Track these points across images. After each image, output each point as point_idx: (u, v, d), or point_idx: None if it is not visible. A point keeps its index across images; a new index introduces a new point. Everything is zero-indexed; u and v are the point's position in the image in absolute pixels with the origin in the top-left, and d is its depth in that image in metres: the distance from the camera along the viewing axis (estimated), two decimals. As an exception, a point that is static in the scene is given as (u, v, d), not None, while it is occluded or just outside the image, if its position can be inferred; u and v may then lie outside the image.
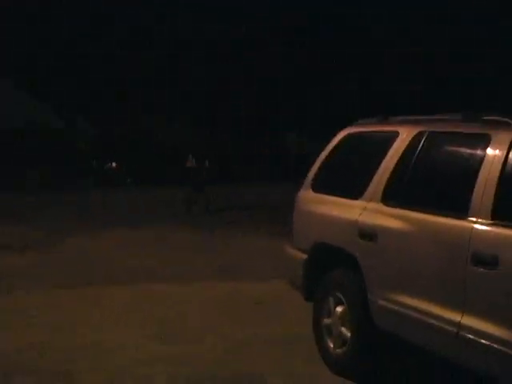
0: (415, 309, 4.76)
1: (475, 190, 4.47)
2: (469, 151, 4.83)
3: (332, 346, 5.66)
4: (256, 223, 16.83)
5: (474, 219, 4.39)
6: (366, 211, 5.35)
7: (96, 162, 29.82)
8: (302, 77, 41.27)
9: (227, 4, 40.52)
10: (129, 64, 39.48)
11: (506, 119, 4.57)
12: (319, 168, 6.20)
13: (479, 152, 4.60)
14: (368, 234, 5.22)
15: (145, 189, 28.40)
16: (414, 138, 5.25)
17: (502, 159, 4.37)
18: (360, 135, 6.00)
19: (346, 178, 5.93)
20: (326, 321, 5.76)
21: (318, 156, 6.25)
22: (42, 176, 29.65)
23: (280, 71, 40.96)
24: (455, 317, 4.41)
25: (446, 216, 4.63)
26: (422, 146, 5.16)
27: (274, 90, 41.44)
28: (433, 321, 4.59)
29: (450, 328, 4.43)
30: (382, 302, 5.06)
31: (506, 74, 37.52)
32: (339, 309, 5.59)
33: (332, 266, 5.74)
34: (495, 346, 4.11)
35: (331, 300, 5.69)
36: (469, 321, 4.32)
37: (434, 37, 39.69)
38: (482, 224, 4.34)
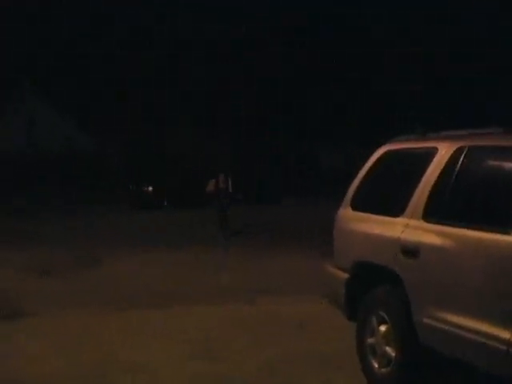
0: (462, 326, 4.74)
1: None
2: (508, 165, 4.84)
3: (376, 365, 5.64)
4: (274, 242, 16.79)
5: None
6: (407, 228, 5.35)
7: (132, 185, 29.52)
8: (301, 77, 41.23)
9: (227, 4, 40.45)
10: (129, 64, 39.40)
11: None
12: (358, 186, 6.20)
13: None
14: (410, 251, 5.22)
15: (175, 211, 27.34)
16: (453, 154, 5.25)
17: None
18: (399, 152, 5.99)
19: (386, 195, 5.92)
20: (370, 340, 5.73)
21: (356, 173, 6.25)
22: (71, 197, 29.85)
23: (280, 71, 40.90)
24: (504, 334, 4.41)
25: (491, 231, 4.63)
26: (462, 161, 5.16)
27: (273, 90, 41.39)
28: (481, 339, 4.58)
29: (499, 346, 4.43)
30: (427, 320, 5.05)
31: (505, 74, 37.57)
32: (383, 328, 5.57)
33: (374, 285, 5.73)
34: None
35: (374, 319, 5.67)
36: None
37: (434, 37, 39.72)
38: None
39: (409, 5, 40.41)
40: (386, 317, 5.52)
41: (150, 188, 28.35)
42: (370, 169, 6.12)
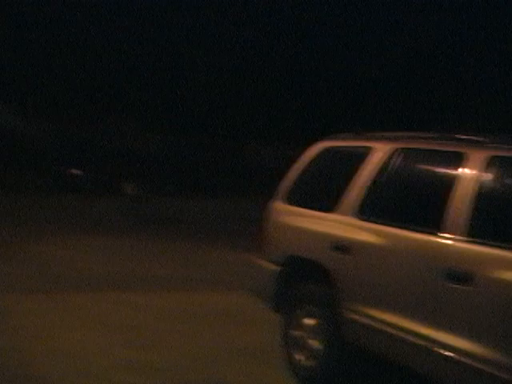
0: (389, 323, 4.77)
1: (448, 206, 4.52)
2: (440, 168, 4.95)
3: (302, 359, 5.66)
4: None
5: (448, 235, 4.44)
6: (339, 224, 5.38)
7: (58, 167, 30.03)
8: (302, 77, 41.32)
9: (227, 5, 40.64)
10: (129, 64, 39.57)
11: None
12: (293, 180, 6.19)
13: (454, 171, 4.67)
14: (341, 247, 5.25)
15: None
16: (387, 154, 5.30)
17: (475, 178, 4.46)
18: (335, 149, 6.00)
19: (320, 191, 5.92)
20: (296, 333, 5.73)
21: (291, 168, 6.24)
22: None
23: (280, 71, 41.03)
24: (429, 332, 4.44)
25: (421, 232, 4.68)
26: (395, 162, 5.22)
27: (273, 90, 41.45)
28: (407, 336, 4.62)
29: (424, 343, 4.46)
30: (354, 316, 5.08)
31: (505, 73, 37.61)
32: (310, 322, 5.58)
33: (305, 279, 5.74)
34: (468, 361, 4.16)
35: (302, 313, 5.68)
36: (443, 337, 4.35)
37: (434, 36, 39.83)
38: (456, 240, 4.39)
39: (409, 5, 40.53)
40: (314, 311, 5.54)
41: (76, 171, 29.09)
42: (306, 163, 6.09)
